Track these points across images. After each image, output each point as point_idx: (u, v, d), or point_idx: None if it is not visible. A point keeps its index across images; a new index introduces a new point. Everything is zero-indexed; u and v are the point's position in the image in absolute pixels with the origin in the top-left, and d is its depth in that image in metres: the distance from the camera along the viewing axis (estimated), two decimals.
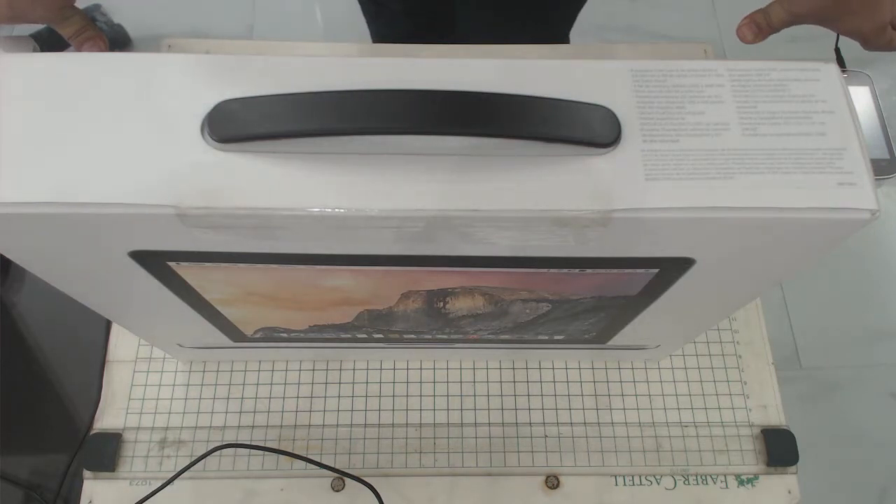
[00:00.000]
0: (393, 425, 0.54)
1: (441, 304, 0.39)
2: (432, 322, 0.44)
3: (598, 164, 0.28)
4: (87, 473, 0.52)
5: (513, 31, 0.83)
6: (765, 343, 0.57)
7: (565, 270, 0.33)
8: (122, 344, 0.56)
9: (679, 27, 1.52)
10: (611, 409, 0.55)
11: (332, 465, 0.51)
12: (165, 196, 0.26)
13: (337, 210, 0.27)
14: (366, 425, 0.54)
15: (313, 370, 0.56)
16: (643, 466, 0.53)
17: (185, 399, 0.54)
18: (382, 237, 0.29)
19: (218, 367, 0.55)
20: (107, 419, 0.53)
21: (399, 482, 0.52)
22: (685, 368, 0.56)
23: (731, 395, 0.56)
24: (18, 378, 0.58)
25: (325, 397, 0.55)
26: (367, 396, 0.55)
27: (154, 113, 0.28)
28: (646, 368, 0.56)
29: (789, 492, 0.53)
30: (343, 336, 0.48)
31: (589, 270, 0.33)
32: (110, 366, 0.55)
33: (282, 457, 0.52)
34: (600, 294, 0.37)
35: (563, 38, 0.88)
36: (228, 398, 0.54)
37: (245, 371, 0.55)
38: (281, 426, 0.54)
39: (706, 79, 0.29)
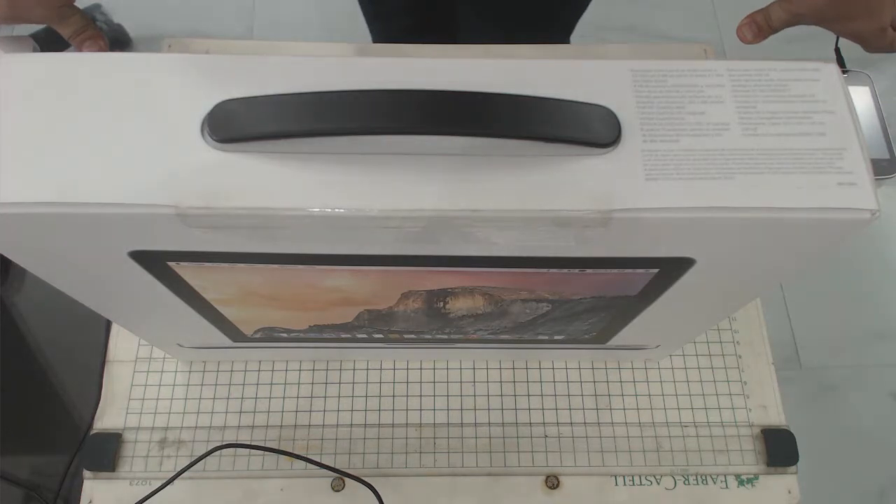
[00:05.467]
0: (393, 425, 0.54)
1: (441, 304, 0.39)
2: (432, 322, 0.44)
3: (598, 164, 0.28)
4: (87, 473, 0.52)
5: (513, 35, 0.83)
6: (765, 343, 0.57)
7: (565, 270, 0.33)
8: (122, 344, 0.56)
9: (679, 27, 1.52)
10: (611, 409, 0.55)
11: (332, 465, 0.51)
12: (165, 196, 0.26)
13: (337, 210, 0.27)
14: (366, 425, 0.54)
15: (313, 370, 0.56)
16: (643, 466, 0.53)
17: (185, 399, 0.54)
18: (382, 237, 0.29)
19: (218, 367, 0.55)
20: (107, 419, 0.53)
21: (399, 482, 0.52)
22: (685, 368, 0.56)
23: (731, 395, 0.56)
24: (18, 378, 0.58)
25: (325, 397, 0.55)
26: (367, 396, 0.55)
27: (154, 113, 0.28)
28: (646, 368, 0.56)
29: (789, 492, 0.53)
30: (343, 336, 0.48)
31: (589, 270, 0.33)
32: (110, 366, 0.55)
33: (282, 457, 0.52)
34: (600, 294, 0.38)
35: (563, 42, 0.88)
36: (228, 398, 0.54)
37: (245, 371, 0.55)
38: (281, 426, 0.54)
39: (706, 79, 0.29)
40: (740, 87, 0.29)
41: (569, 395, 0.55)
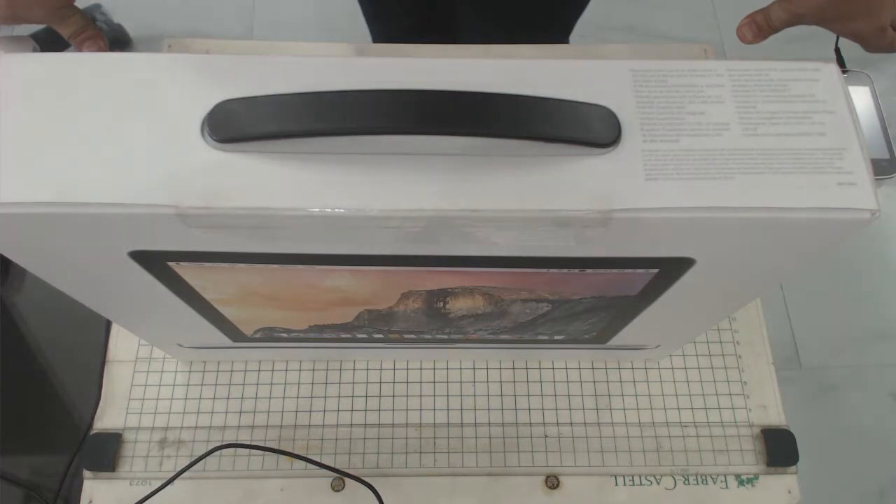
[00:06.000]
0: (393, 425, 0.54)
1: (441, 304, 0.39)
2: (432, 322, 0.44)
3: (598, 164, 0.28)
4: (87, 473, 0.52)
5: (513, 35, 0.83)
6: (765, 343, 0.57)
7: (565, 270, 0.33)
8: (122, 344, 0.56)
9: (679, 27, 1.52)
10: (611, 409, 0.55)
11: (332, 465, 0.51)
12: (165, 196, 0.26)
13: (337, 210, 0.27)
14: (366, 425, 0.54)
15: (313, 370, 0.56)
16: (643, 466, 0.53)
17: (185, 399, 0.54)
18: (382, 237, 0.29)
19: (218, 367, 0.55)
20: (107, 419, 0.53)
21: (399, 482, 0.52)
22: (685, 368, 0.56)
23: (731, 395, 0.56)
24: (18, 378, 0.58)
25: (325, 397, 0.55)
26: (367, 396, 0.55)
27: (154, 113, 0.28)
28: (646, 368, 0.56)
29: (789, 492, 0.53)
30: (343, 336, 0.48)
31: (589, 270, 0.33)
32: (110, 366, 0.55)
33: (282, 457, 0.52)
34: (600, 294, 0.37)
35: (562, 42, 0.88)
36: (228, 398, 0.54)
37: (245, 371, 0.55)
38: (281, 426, 0.54)
39: (706, 79, 0.29)
40: (740, 87, 0.29)
41: (569, 395, 0.55)
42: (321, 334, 0.47)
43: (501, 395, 0.55)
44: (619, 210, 0.27)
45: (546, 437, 0.54)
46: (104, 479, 0.52)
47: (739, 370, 0.56)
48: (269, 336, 0.47)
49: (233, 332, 0.46)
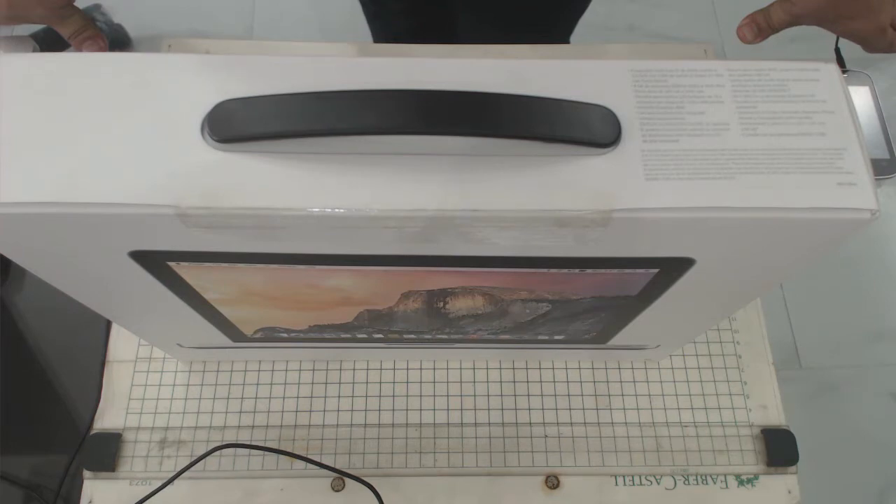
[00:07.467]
0: (393, 425, 0.54)
1: (441, 304, 0.39)
2: (432, 322, 0.44)
3: (598, 164, 0.28)
4: (87, 473, 0.52)
5: (513, 36, 0.83)
6: (765, 343, 0.57)
7: (565, 270, 0.33)
8: (122, 344, 0.56)
9: (679, 27, 1.52)
10: (611, 409, 0.55)
11: (332, 465, 0.51)
12: (165, 196, 0.26)
13: (337, 210, 0.27)
14: (366, 425, 0.54)
15: (313, 370, 0.56)
16: (643, 466, 0.53)
17: (185, 399, 0.54)
18: (382, 237, 0.29)
19: (218, 367, 0.55)
20: (107, 419, 0.53)
21: (399, 482, 0.52)
22: (685, 368, 0.56)
23: (731, 395, 0.56)
24: (18, 378, 0.58)
25: (325, 397, 0.55)
26: (367, 396, 0.55)
27: (154, 113, 0.28)
28: (646, 368, 0.56)
29: (789, 492, 0.53)
30: (343, 336, 0.48)
31: (589, 270, 0.33)
32: (110, 366, 0.55)
33: (282, 457, 0.52)
34: (600, 294, 0.38)
35: (562, 42, 0.88)
36: (228, 398, 0.54)
37: (245, 371, 0.55)
38: (281, 426, 0.54)
39: (706, 79, 0.29)
40: (740, 87, 0.29)
41: (569, 395, 0.55)
42: (321, 334, 0.47)
43: (501, 395, 0.55)
44: (619, 210, 0.27)
45: (546, 437, 0.54)
46: (104, 479, 0.52)
47: (739, 370, 0.56)
48: (270, 336, 0.47)
49: (233, 332, 0.46)
